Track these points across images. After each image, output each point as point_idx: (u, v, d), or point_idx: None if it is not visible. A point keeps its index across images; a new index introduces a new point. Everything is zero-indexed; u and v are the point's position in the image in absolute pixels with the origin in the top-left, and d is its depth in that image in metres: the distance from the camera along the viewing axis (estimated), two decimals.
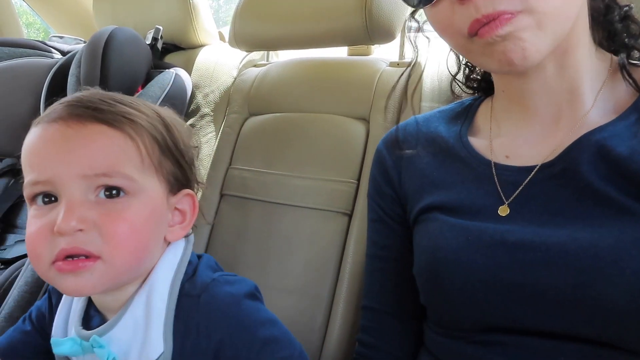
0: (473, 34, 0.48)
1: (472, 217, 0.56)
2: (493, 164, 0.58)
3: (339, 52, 1.16)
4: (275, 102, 1.07)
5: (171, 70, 1.12)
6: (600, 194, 0.49)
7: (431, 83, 0.90)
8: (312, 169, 0.94)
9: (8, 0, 1.62)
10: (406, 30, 1.03)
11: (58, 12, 1.67)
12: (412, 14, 0.64)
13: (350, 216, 0.89)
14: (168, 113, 0.60)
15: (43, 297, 0.66)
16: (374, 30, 0.95)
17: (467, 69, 0.72)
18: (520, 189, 0.55)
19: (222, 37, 1.40)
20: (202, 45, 1.31)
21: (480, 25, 0.47)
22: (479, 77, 0.70)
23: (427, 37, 0.64)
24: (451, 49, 0.70)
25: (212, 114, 1.16)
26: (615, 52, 0.57)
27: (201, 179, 0.62)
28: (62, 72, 1.06)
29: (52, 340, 0.56)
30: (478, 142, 0.62)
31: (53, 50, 1.30)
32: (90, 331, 0.54)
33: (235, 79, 1.19)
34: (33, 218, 0.50)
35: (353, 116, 0.98)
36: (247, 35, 1.09)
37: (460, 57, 0.72)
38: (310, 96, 1.03)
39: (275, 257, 0.91)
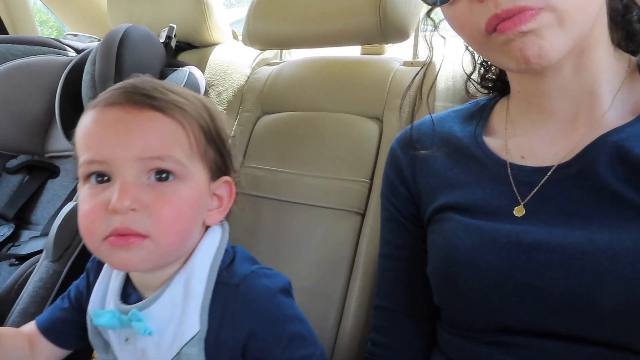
0: (491, 31, 0.48)
1: (487, 218, 0.55)
2: (508, 164, 0.58)
3: (352, 52, 1.16)
4: (288, 101, 1.07)
5: (185, 68, 1.12)
6: (618, 195, 0.48)
7: (445, 83, 0.90)
8: (324, 168, 0.94)
9: None
10: (420, 29, 1.02)
11: (72, 10, 1.68)
12: (429, 12, 0.63)
13: (363, 216, 0.89)
14: (210, 103, 0.62)
15: (81, 276, 0.69)
16: (388, 29, 0.94)
17: (482, 68, 0.71)
18: (536, 189, 0.54)
19: (235, 36, 1.40)
20: (215, 44, 1.32)
21: (499, 21, 0.46)
22: (494, 76, 0.70)
23: (443, 37, 0.64)
24: (467, 48, 0.70)
25: (225, 112, 1.17)
26: (634, 53, 0.56)
27: (237, 167, 0.65)
28: (76, 70, 1.07)
29: (93, 311, 0.59)
30: (493, 142, 0.61)
31: (67, 48, 1.31)
32: (129, 306, 0.58)
33: (248, 77, 1.19)
34: (87, 196, 0.53)
35: (366, 115, 0.97)
36: (261, 34, 1.09)
37: (476, 57, 0.72)
38: (323, 95, 1.02)
39: (287, 255, 0.92)
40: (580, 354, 0.48)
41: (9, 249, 1.08)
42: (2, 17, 1.60)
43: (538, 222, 0.52)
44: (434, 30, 0.64)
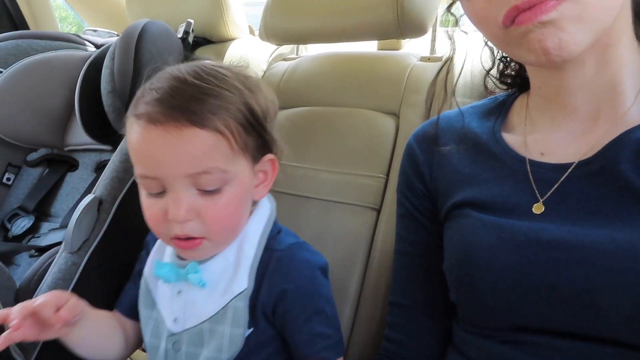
0: (509, 24, 0.47)
1: (505, 215, 0.55)
2: (528, 161, 0.57)
3: (368, 47, 1.15)
4: (305, 96, 1.07)
5: None
6: None
7: (463, 78, 0.89)
8: (340, 163, 0.93)
9: None
10: (439, 24, 1.01)
11: (92, 6, 1.71)
12: (449, 7, 0.63)
13: (378, 211, 0.89)
14: (250, 81, 0.64)
15: (143, 252, 0.76)
16: (405, 24, 0.94)
17: (501, 63, 0.70)
18: (555, 186, 0.53)
19: (252, 31, 1.41)
20: (232, 39, 1.32)
21: (518, 12, 0.45)
22: (513, 72, 0.69)
23: (465, 32, 0.63)
24: (486, 44, 0.69)
25: None
26: None
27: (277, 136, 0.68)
28: (96, 65, 1.08)
29: (156, 261, 0.67)
30: (512, 139, 0.60)
31: (87, 43, 1.32)
32: (186, 260, 0.64)
33: (264, 72, 1.19)
34: (148, 202, 0.61)
35: (383, 111, 0.97)
36: (278, 29, 1.09)
37: (495, 52, 0.71)
38: (339, 90, 1.02)
39: None
40: (598, 354, 0.47)
41: (29, 241, 1.10)
42: (24, 14, 1.62)
43: (557, 220, 0.51)
44: (456, 25, 0.64)
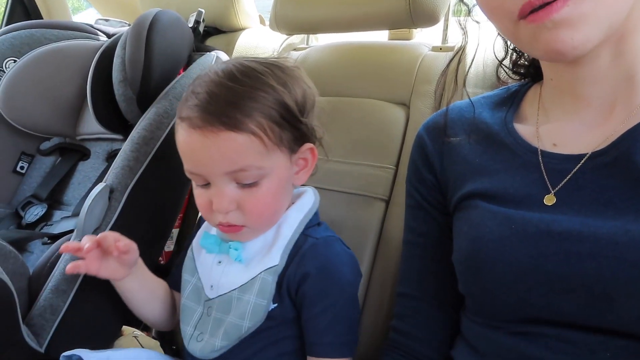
0: (523, 17, 0.46)
1: (516, 206, 0.54)
2: (540, 152, 0.56)
3: (379, 37, 1.14)
4: (315, 86, 1.06)
5: (212, 53, 1.12)
6: None
7: (475, 68, 0.88)
8: (350, 154, 0.93)
9: None
10: (452, 14, 1.00)
11: None
12: None
13: (387, 202, 0.88)
14: (284, 75, 0.66)
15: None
16: (417, 13, 0.93)
17: (514, 53, 0.69)
18: (568, 177, 0.53)
19: (262, 21, 1.40)
20: (242, 29, 1.32)
21: (532, 8, 0.45)
22: (527, 62, 0.68)
23: (477, 22, 0.62)
24: (499, 34, 0.68)
25: None
26: None
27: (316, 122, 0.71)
28: (108, 54, 1.08)
29: (204, 232, 0.74)
30: (524, 129, 0.60)
31: (99, 32, 1.32)
32: (229, 236, 0.70)
33: None
34: (197, 192, 0.68)
35: (393, 101, 0.96)
36: (288, 18, 1.08)
37: (508, 42, 0.70)
38: (349, 80, 1.01)
39: None
40: (612, 347, 0.47)
41: (42, 228, 1.12)
42: (37, 4, 1.63)
43: (569, 211, 0.51)
44: (469, 15, 0.63)
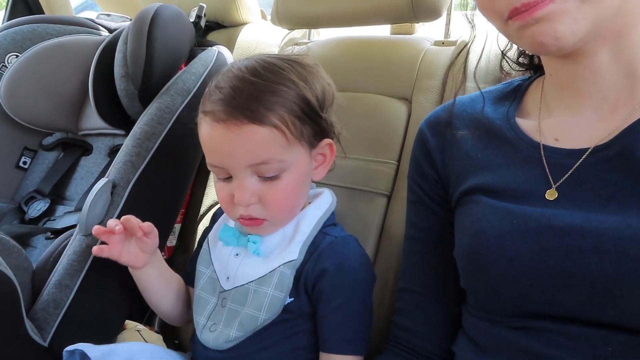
0: (510, 18, 0.48)
1: (518, 201, 0.54)
2: (542, 146, 0.56)
3: (381, 31, 1.14)
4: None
5: (213, 48, 1.12)
6: None
7: (479, 63, 0.87)
8: (351, 149, 0.92)
9: None
10: (454, 8, 0.99)
11: None
12: None
13: (389, 197, 0.88)
14: (305, 71, 0.68)
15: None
16: (419, 7, 0.92)
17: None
18: (570, 172, 0.53)
19: (263, 15, 1.40)
20: (244, 23, 1.31)
21: (518, 13, 0.47)
22: (530, 54, 0.67)
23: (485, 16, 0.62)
24: None
25: None
26: None
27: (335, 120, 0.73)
28: (109, 49, 1.08)
29: (223, 225, 0.75)
30: (526, 124, 0.60)
31: (101, 27, 1.32)
32: (248, 230, 0.71)
33: None
34: (219, 185, 0.69)
35: (395, 96, 0.96)
36: (290, 13, 1.08)
37: None
38: (351, 75, 1.01)
39: None
40: (611, 341, 0.47)
41: (45, 223, 1.12)
42: None
43: (571, 206, 0.51)
44: (473, 10, 0.63)
